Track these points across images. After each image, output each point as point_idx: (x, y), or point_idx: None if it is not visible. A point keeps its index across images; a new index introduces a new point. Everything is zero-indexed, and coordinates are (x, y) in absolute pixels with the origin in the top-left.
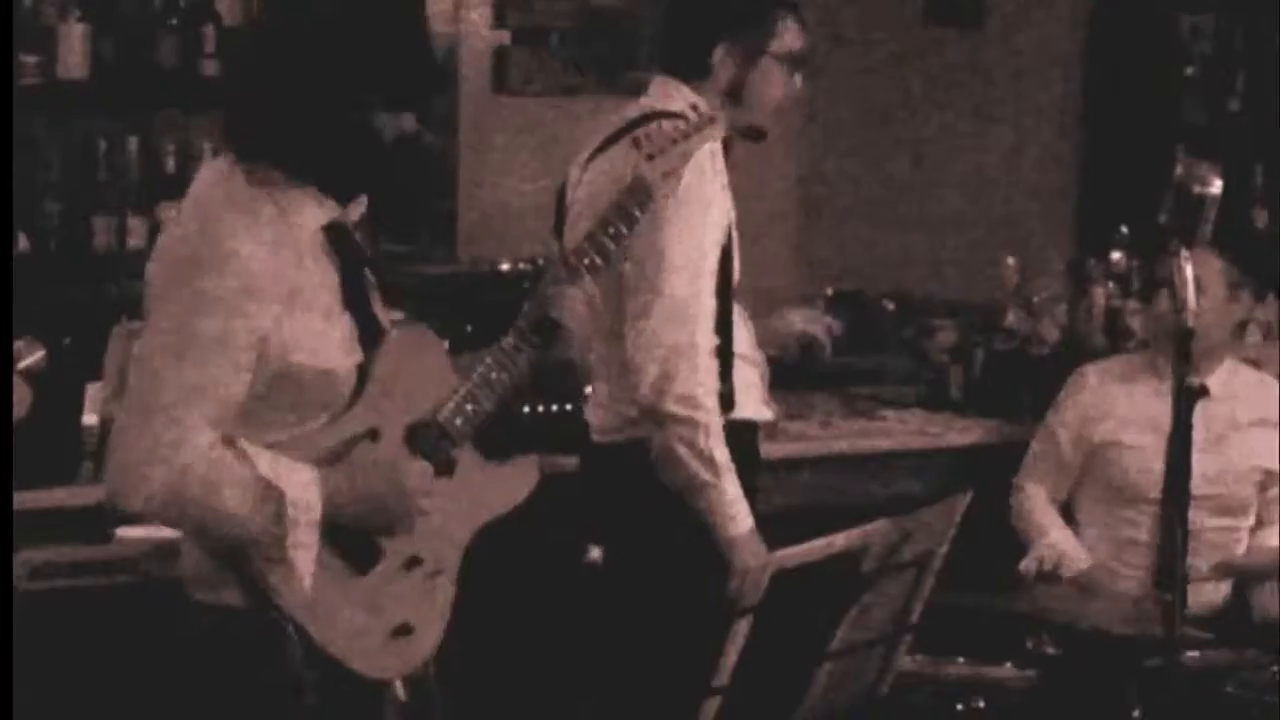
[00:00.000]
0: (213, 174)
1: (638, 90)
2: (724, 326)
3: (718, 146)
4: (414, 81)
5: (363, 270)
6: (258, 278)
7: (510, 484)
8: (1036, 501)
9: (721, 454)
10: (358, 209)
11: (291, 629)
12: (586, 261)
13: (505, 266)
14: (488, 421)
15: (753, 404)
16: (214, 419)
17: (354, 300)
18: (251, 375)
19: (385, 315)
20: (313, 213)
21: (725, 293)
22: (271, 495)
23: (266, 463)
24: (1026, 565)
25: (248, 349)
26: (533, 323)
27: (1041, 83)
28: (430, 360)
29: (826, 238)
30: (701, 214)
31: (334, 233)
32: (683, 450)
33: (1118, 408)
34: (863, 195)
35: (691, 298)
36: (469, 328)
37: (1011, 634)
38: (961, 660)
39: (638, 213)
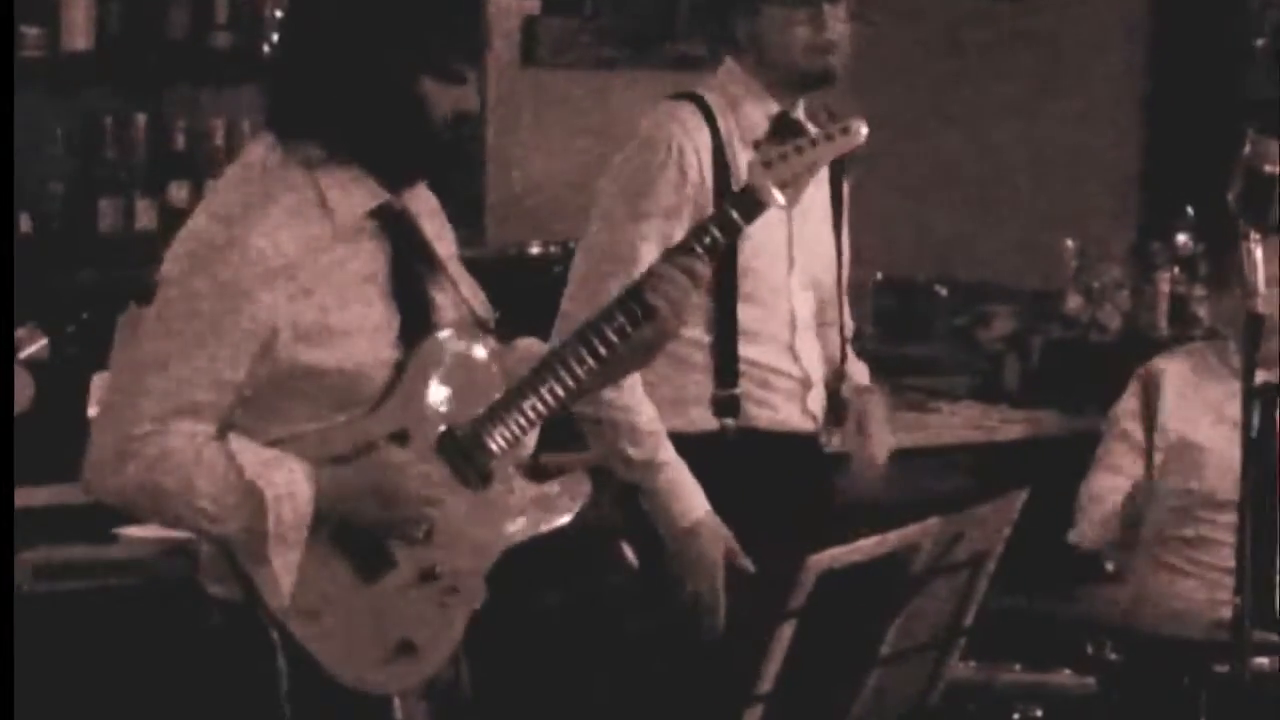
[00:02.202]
0: (248, 156)
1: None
2: (724, 327)
3: (696, 123)
4: (461, 44)
5: (418, 259)
6: (270, 267)
7: (554, 502)
8: (1111, 494)
9: (637, 450)
10: (418, 194)
11: (275, 634)
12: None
13: (536, 250)
14: (532, 432)
15: (784, 413)
16: (202, 412)
17: (404, 291)
18: (251, 368)
19: (457, 307)
20: (356, 195)
21: (726, 290)
22: (252, 495)
23: (255, 459)
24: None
25: (246, 342)
26: (624, 305)
27: (1103, 55)
28: (476, 365)
29: (874, 220)
30: (636, 199)
31: (386, 218)
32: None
33: (1189, 404)
34: (913, 174)
35: (600, 290)
36: (498, 314)
37: (1070, 639)
38: (1018, 667)
39: (742, 223)
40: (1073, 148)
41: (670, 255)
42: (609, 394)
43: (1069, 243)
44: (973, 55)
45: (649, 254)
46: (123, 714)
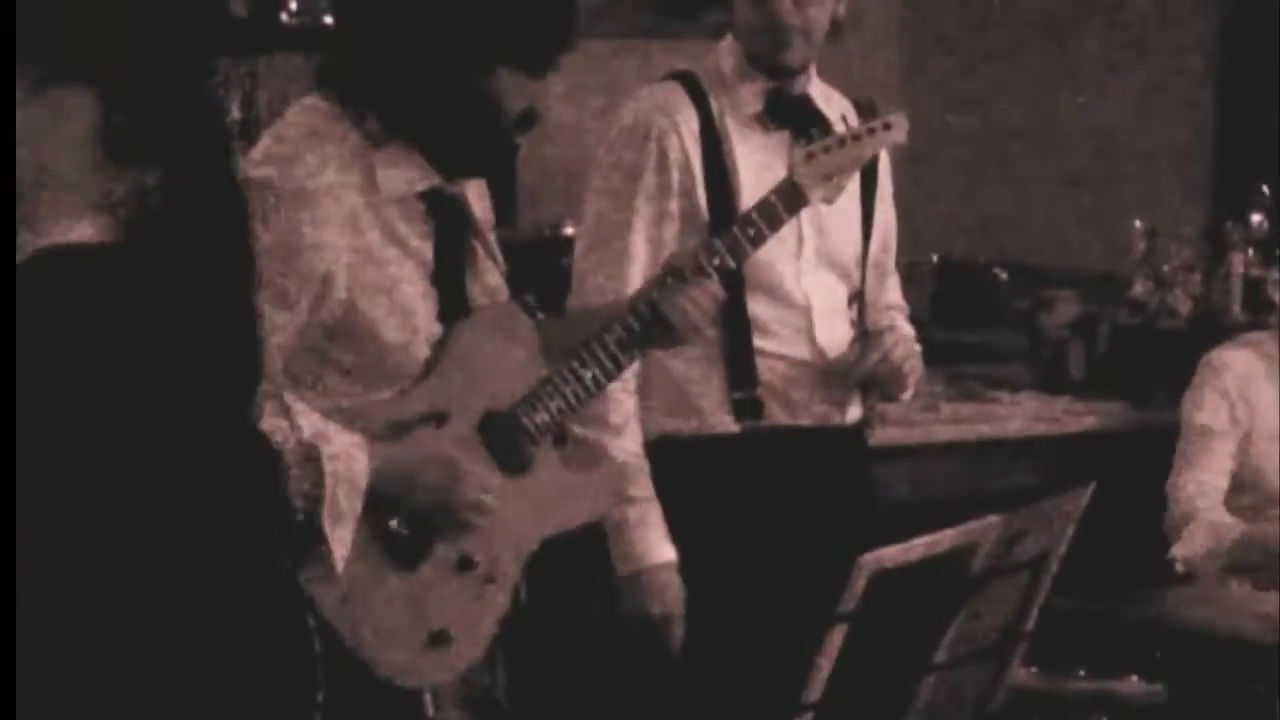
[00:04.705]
0: (299, 111)
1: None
2: (735, 323)
3: (679, 104)
4: (548, 33)
5: (463, 245)
6: (328, 216)
7: (591, 494)
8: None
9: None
10: (474, 186)
11: (313, 620)
12: (716, 262)
13: (570, 230)
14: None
15: (808, 405)
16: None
17: (446, 275)
18: (307, 316)
19: (498, 289)
20: (405, 175)
21: (734, 284)
22: (311, 454)
23: (311, 421)
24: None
25: (308, 285)
26: (644, 317)
27: (1175, 25)
28: (516, 346)
29: (932, 199)
30: (621, 191)
31: (435, 200)
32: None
33: (1254, 396)
34: (972, 152)
35: (603, 287)
36: (531, 297)
37: (1138, 644)
38: (1082, 673)
39: (786, 216)
40: (1141, 123)
41: (715, 241)
42: (597, 409)
43: (1137, 223)
44: (1035, 26)
45: (639, 244)
46: (129, 714)
